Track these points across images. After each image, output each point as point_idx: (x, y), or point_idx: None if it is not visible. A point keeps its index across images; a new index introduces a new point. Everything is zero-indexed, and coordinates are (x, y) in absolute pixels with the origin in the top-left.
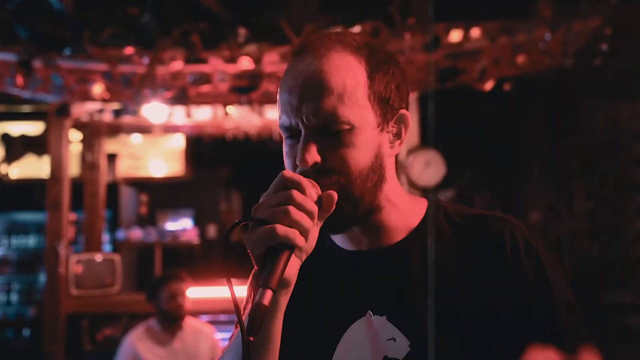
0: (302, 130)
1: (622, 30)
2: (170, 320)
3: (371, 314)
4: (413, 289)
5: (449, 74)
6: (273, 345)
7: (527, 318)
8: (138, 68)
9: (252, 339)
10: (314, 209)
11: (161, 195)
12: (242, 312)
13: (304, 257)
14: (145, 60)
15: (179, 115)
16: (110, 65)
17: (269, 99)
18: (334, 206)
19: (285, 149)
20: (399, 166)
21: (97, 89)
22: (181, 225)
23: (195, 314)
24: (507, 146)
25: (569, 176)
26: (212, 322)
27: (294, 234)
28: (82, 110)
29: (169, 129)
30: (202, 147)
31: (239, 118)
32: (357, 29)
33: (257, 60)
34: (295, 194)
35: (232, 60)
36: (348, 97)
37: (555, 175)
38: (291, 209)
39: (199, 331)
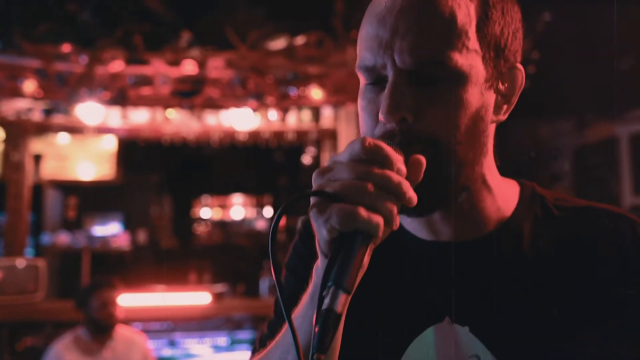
0: (391, 73)
1: (546, 53)
2: (101, 329)
3: (450, 321)
4: (505, 294)
5: None
6: (332, 353)
7: None
8: (75, 67)
9: (323, 357)
10: (404, 191)
11: (89, 198)
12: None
13: (378, 243)
14: (84, 59)
15: (113, 116)
16: (45, 62)
17: (211, 105)
18: (421, 177)
19: (362, 101)
20: None
21: (29, 86)
22: (110, 230)
23: (127, 322)
24: None
25: None
26: (145, 331)
27: (377, 221)
28: (10, 107)
29: (102, 130)
30: (134, 151)
31: (178, 122)
32: (301, 39)
33: (201, 64)
34: (378, 170)
35: (175, 63)
36: (457, 35)
37: None
38: (373, 188)
39: (131, 340)
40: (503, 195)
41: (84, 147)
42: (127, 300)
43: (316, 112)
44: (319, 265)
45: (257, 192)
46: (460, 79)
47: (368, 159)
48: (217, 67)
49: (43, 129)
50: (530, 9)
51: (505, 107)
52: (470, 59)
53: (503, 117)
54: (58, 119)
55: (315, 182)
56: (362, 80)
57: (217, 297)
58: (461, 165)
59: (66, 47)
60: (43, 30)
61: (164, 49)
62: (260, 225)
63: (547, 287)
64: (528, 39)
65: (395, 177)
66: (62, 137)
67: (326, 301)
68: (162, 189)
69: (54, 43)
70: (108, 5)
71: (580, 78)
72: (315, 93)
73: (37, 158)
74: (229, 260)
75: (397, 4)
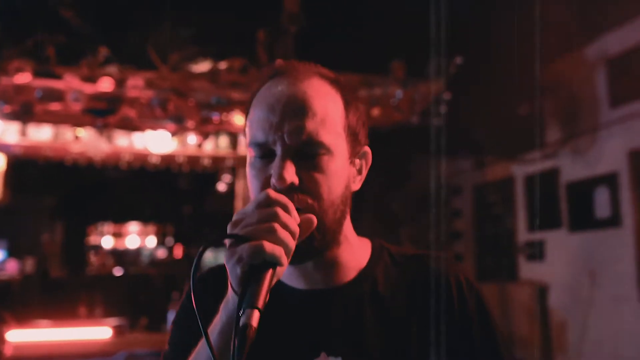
0: (279, 149)
1: (453, 95)
2: None
3: (326, 355)
4: (366, 328)
5: None
6: None
7: (474, 350)
8: None
9: None
10: (297, 230)
11: None
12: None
13: (274, 282)
14: None
15: (10, 132)
16: None
17: (127, 125)
18: (310, 232)
19: (252, 170)
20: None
21: None
22: None
23: None
24: None
25: (397, 223)
26: None
27: (280, 251)
28: None
29: None
30: (28, 171)
31: (86, 142)
32: (224, 64)
33: (119, 82)
34: (281, 212)
35: (90, 79)
36: (329, 122)
37: (384, 221)
38: (277, 226)
39: None
40: (359, 249)
41: None
42: (16, 335)
43: (234, 138)
44: (229, 299)
45: (159, 220)
46: (332, 155)
47: (272, 205)
48: (136, 86)
49: None
50: (444, 52)
51: (359, 178)
52: (338, 140)
53: (357, 186)
54: None
55: (231, 230)
56: (252, 153)
57: (118, 331)
58: (333, 222)
59: None
60: None
61: (79, 63)
62: (161, 254)
63: (397, 319)
64: (441, 81)
65: (292, 220)
66: None
67: (243, 319)
68: (56, 214)
69: None
70: (18, 12)
71: (482, 120)
72: (238, 119)
73: None
74: (127, 291)
75: (284, 95)
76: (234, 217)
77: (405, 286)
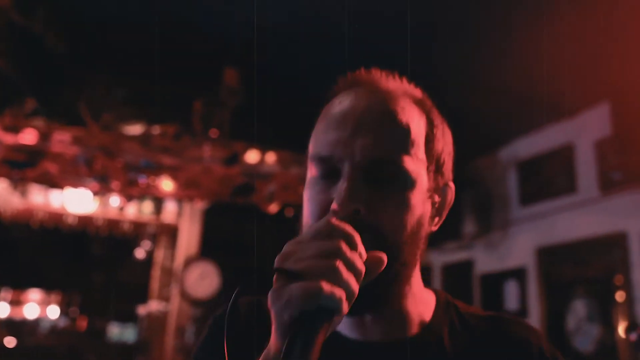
0: (347, 168)
1: None
2: None
3: None
4: None
5: (243, 190)
6: None
7: None
8: None
9: None
10: (363, 270)
11: None
12: None
13: (328, 334)
14: None
15: None
16: None
17: (47, 181)
18: (375, 275)
19: (311, 192)
20: (174, 276)
21: None
22: None
23: None
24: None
25: None
26: None
27: (341, 295)
28: None
29: None
30: None
31: None
32: (156, 128)
33: (44, 136)
34: (345, 246)
35: (13, 129)
36: (411, 143)
37: None
38: (340, 264)
39: None
40: (423, 300)
41: None
42: None
43: (159, 204)
44: (270, 352)
45: (64, 287)
46: (409, 183)
47: (335, 236)
48: (62, 141)
49: None
50: None
51: (436, 219)
52: (419, 167)
53: (434, 228)
54: None
55: (281, 264)
56: (313, 171)
57: None
58: (404, 266)
59: None
60: None
61: (2, 112)
62: (62, 325)
63: None
64: None
65: (358, 257)
66: None
67: None
68: None
69: None
70: None
71: None
72: (166, 184)
73: None
74: None
75: (360, 105)
76: (285, 248)
77: (477, 351)
